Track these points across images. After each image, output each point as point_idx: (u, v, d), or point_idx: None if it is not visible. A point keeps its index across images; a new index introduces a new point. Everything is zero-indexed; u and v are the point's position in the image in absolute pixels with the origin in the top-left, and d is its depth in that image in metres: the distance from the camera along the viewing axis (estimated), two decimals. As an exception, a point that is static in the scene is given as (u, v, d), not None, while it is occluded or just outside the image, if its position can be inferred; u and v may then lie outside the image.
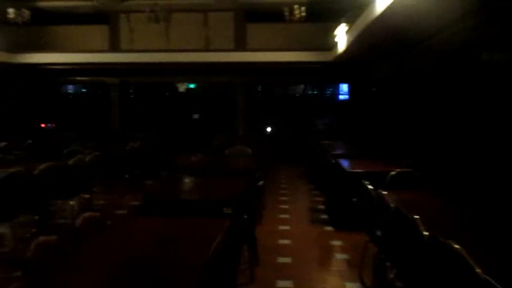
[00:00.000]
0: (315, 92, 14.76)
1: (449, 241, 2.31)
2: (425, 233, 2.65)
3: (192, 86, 14.47)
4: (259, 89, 14.72)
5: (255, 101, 14.30)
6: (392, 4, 5.57)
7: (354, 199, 4.89)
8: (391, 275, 3.32)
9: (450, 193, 4.33)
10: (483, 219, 3.42)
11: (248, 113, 13.77)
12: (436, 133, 7.39)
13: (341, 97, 14.52)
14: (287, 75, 13.48)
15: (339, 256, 4.92)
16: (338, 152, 8.20)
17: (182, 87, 14.27)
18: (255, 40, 11.56)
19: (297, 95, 14.78)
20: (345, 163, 6.37)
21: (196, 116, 14.53)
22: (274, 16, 10.78)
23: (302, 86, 14.69)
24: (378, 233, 3.63)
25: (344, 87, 14.32)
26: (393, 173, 4.85)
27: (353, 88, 13.82)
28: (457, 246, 2.25)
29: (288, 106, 14.28)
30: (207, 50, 11.58)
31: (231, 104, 13.84)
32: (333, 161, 6.54)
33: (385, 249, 3.53)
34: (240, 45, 11.62)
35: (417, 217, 2.78)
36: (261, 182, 4.34)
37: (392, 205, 3.32)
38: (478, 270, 2.07)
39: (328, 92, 14.79)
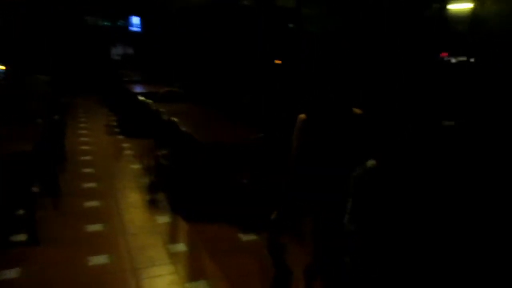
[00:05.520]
0: (108, 24, 14.55)
1: (173, 119, 4.60)
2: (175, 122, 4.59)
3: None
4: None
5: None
6: None
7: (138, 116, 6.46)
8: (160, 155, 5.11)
9: (202, 103, 6.79)
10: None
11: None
12: (196, 63, 10.16)
13: (134, 29, 14.71)
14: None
15: (127, 152, 6.88)
16: (129, 78, 9.88)
17: None
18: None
19: (90, 25, 14.25)
20: (134, 88, 8.37)
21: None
22: None
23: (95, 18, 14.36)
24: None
25: (136, 20, 14.58)
26: (162, 91, 7.06)
27: (145, 21, 14.34)
28: (176, 119, 4.65)
29: (80, 36, 13.72)
30: None
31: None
32: (121, 85, 8.60)
33: (159, 142, 5.32)
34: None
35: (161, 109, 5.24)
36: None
37: (154, 108, 5.33)
38: (183, 129, 4.46)
39: (121, 24, 14.74)
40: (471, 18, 4.00)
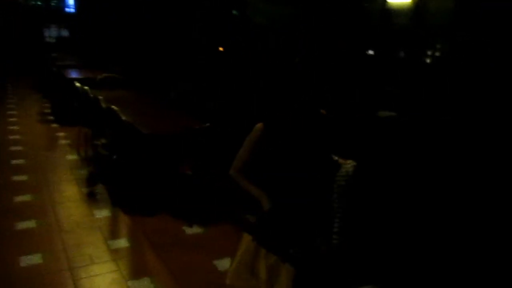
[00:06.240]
0: (40, 4, 14.01)
1: (113, 107, 4.31)
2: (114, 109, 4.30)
3: None
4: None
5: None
6: None
7: (74, 103, 6.22)
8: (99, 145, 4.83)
9: (143, 90, 6.49)
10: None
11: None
12: (135, 48, 9.48)
13: (69, 10, 14.18)
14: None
15: (62, 141, 6.42)
16: (64, 63, 9.14)
17: None
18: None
19: (21, 4, 13.65)
20: (69, 72, 7.83)
21: None
22: None
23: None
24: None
25: (71, 1, 14.05)
26: (100, 76, 6.59)
27: (80, 2, 13.66)
28: (116, 108, 4.29)
29: (10, 15, 13.09)
30: None
31: None
32: (55, 70, 8.09)
33: (97, 131, 5.04)
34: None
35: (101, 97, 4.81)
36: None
37: (89, 93, 5.14)
38: (124, 118, 4.14)
39: (54, 4, 14.26)
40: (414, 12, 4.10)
